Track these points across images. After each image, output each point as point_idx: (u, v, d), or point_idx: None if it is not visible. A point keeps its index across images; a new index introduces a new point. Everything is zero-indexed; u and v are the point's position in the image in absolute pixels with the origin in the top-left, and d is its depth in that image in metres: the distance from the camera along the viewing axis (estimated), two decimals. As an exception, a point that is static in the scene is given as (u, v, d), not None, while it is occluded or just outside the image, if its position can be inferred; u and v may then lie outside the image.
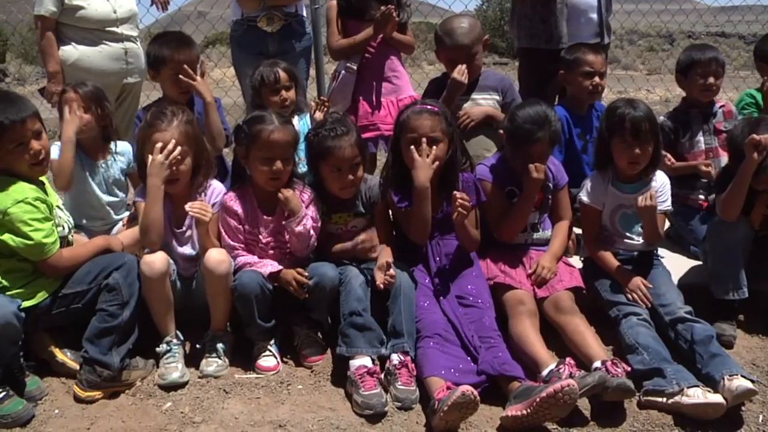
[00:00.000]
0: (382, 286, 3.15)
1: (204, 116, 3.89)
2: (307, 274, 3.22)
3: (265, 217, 3.35)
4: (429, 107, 3.38)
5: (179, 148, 3.20)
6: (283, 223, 3.27)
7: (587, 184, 3.57)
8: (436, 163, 3.27)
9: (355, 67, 4.33)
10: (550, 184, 3.61)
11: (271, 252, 3.34)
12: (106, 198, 3.81)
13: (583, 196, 3.56)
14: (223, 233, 3.33)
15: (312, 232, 3.31)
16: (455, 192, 3.23)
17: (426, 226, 3.34)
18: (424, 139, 3.26)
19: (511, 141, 3.47)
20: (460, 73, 3.88)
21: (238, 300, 3.18)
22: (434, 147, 3.28)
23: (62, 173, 3.56)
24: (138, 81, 4.87)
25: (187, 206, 3.18)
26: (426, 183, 3.23)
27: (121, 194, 3.88)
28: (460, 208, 3.20)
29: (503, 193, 3.56)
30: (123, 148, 3.88)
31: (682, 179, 4.06)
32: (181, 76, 3.82)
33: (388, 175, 3.47)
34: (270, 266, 3.23)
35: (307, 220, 3.28)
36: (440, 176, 3.36)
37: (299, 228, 3.26)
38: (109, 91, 4.10)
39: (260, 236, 3.33)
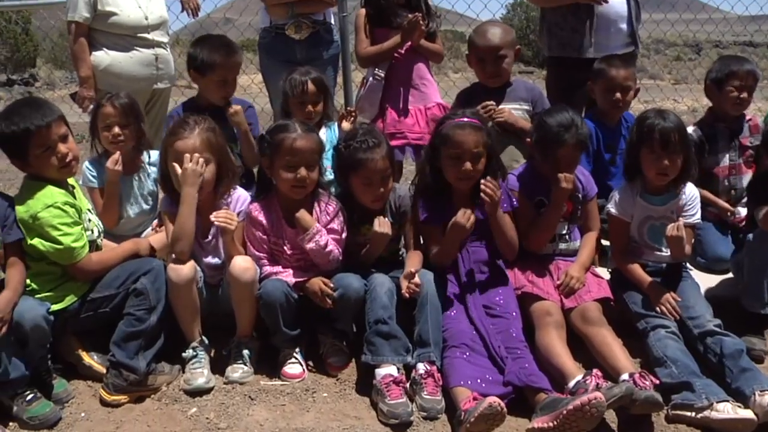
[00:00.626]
0: (407, 294, 3.15)
1: (241, 138, 3.96)
2: (332, 285, 3.22)
3: (288, 229, 3.34)
4: (472, 121, 3.36)
5: (200, 159, 3.20)
6: (298, 240, 3.28)
7: (615, 195, 3.54)
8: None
9: (383, 75, 4.32)
10: (579, 195, 3.58)
11: (296, 264, 3.34)
12: (135, 210, 3.80)
13: (611, 208, 3.53)
14: (248, 243, 3.34)
15: (331, 246, 3.27)
16: (483, 180, 3.23)
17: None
18: (467, 164, 3.29)
19: (539, 146, 3.46)
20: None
21: (263, 308, 3.19)
22: (476, 164, 3.30)
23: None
24: (167, 87, 4.92)
25: (212, 216, 3.20)
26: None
27: (152, 202, 3.87)
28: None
29: (532, 203, 3.54)
30: (155, 158, 3.84)
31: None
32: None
33: (419, 186, 3.47)
34: (295, 276, 3.26)
35: (321, 237, 3.25)
36: (475, 185, 3.36)
37: (310, 245, 3.24)
38: (138, 97, 4.13)
39: (284, 248, 3.33)
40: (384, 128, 4.19)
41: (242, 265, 3.17)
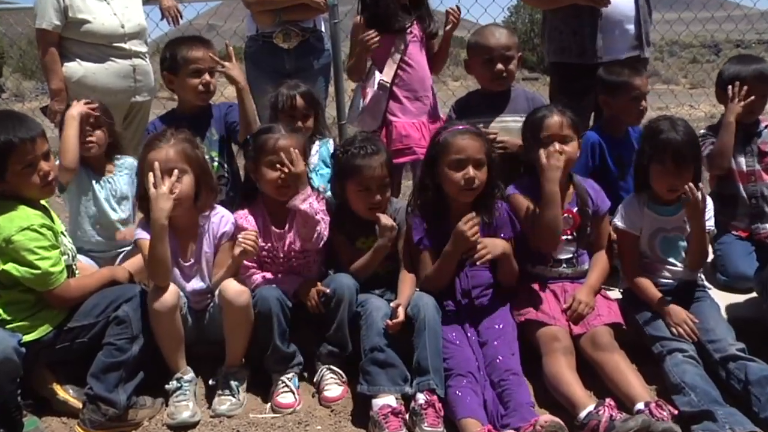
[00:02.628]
0: (389, 325, 3.19)
1: (229, 116, 4.05)
2: (325, 290, 3.33)
3: (276, 230, 3.47)
4: (470, 128, 3.42)
5: (176, 172, 3.22)
6: (288, 204, 3.34)
7: (621, 208, 3.57)
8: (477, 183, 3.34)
9: (388, 83, 4.31)
10: (589, 210, 3.58)
11: (287, 267, 3.47)
12: (114, 215, 3.88)
13: (618, 222, 3.55)
14: None
15: (319, 217, 3.34)
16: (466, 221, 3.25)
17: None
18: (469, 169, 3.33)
19: (528, 135, 3.55)
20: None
21: (258, 318, 3.24)
22: (479, 171, 3.33)
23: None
24: (147, 100, 4.91)
25: (241, 237, 3.31)
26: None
27: (128, 212, 3.92)
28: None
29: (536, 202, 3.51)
30: (127, 161, 3.97)
31: (725, 203, 4.05)
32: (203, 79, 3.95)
33: (415, 204, 3.50)
34: (293, 285, 3.39)
35: (314, 200, 3.33)
36: (475, 201, 3.40)
37: (304, 206, 3.31)
38: (116, 111, 4.17)
39: (275, 251, 3.48)
40: (388, 142, 4.20)
41: (236, 288, 3.22)
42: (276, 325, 3.23)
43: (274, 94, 3.95)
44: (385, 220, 3.37)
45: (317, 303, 3.33)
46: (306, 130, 3.92)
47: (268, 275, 3.46)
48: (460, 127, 3.43)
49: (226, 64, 3.94)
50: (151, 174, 3.15)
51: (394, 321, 3.19)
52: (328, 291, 3.31)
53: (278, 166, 3.37)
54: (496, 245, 3.36)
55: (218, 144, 4.10)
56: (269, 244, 3.49)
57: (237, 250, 3.30)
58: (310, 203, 3.32)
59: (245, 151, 3.55)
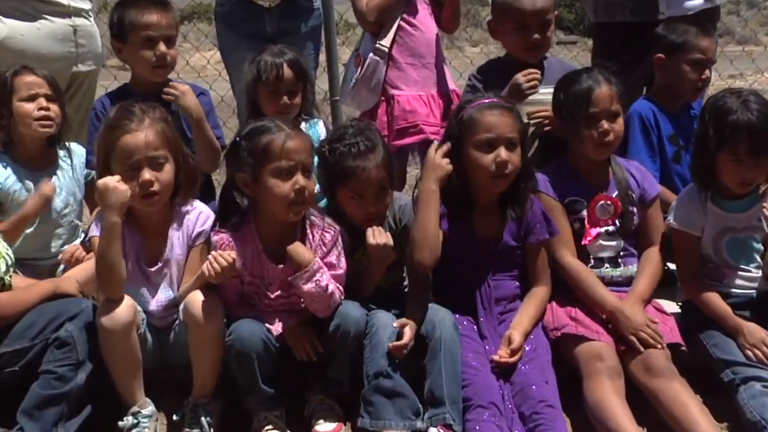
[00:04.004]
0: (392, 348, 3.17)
1: (192, 130, 3.94)
2: (320, 349, 3.25)
3: (272, 265, 3.32)
4: (500, 101, 3.39)
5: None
6: (289, 279, 3.24)
7: (679, 203, 3.54)
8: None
9: (386, 48, 4.29)
10: (634, 195, 3.57)
11: (280, 309, 3.33)
12: (57, 219, 3.83)
13: (673, 220, 3.51)
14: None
15: (332, 288, 3.24)
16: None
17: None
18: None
19: (566, 109, 3.53)
20: (528, 78, 3.66)
21: (236, 361, 3.15)
22: (512, 153, 3.30)
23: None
24: (92, 69, 4.82)
25: (211, 256, 3.17)
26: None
27: (74, 216, 3.87)
28: None
29: (562, 204, 3.58)
30: (74, 149, 3.90)
31: None
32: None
33: None
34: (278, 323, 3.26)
35: (323, 275, 3.21)
36: (506, 192, 3.38)
37: (309, 285, 3.19)
38: None
39: (268, 290, 3.33)
40: (390, 121, 4.21)
41: (204, 302, 3.14)
42: (258, 369, 3.15)
43: (253, 63, 3.91)
44: (375, 237, 3.27)
45: (309, 351, 3.24)
46: (293, 108, 3.90)
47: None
48: (488, 100, 3.38)
49: (179, 87, 3.90)
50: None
51: (399, 343, 3.15)
52: (321, 349, 3.24)
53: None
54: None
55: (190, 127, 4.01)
56: (258, 279, 3.33)
57: (203, 269, 3.19)
58: (317, 281, 3.19)
59: (233, 158, 3.32)
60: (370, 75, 4.30)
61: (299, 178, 3.17)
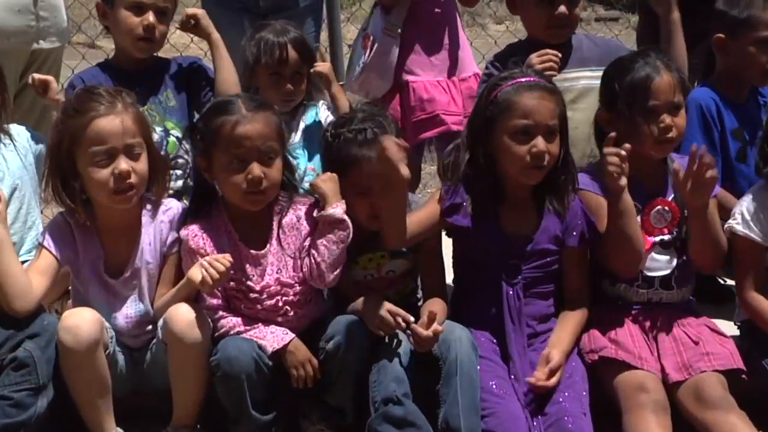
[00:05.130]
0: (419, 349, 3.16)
1: (195, 74, 4.04)
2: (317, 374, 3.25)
3: (253, 252, 3.35)
4: (541, 82, 3.38)
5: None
6: (317, 214, 3.32)
7: (743, 205, 3.50)
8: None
9: (399, 26, 4.29)
10: None
11: (270, 303, 3.34)
12: None
13: (737, 225, 3.46)
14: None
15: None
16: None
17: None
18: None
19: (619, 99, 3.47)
20: (543, 59, 3.62)
21: (222, 384, 3.14)
22: (551, 143, 3.30)
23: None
24: (56, 46, 4.76)
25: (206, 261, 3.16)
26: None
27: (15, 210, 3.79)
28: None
29: None
30: (14, 130, 3.81)
31: None
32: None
33: (455, 174, 3.44)
34: (273, 336, 3.23)
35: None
36: (541, 184, 3.39)
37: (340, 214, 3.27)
38: (9, 61, 4.11)
39: (250, 282, 3.33)
40: (406, 111, 4.23)
41: (186, 316, 3.14)
42: (248, 394, 3.14)
43: (252, 42, 3.94)
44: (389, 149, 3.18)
45: (307, 376, 3.24)
46: (298, 94, 3.96)
47: (238, 321, 3.31)
48: (527, 79, 3.38)
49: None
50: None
51: (431, 330, 3.11)
52: (328, 346, 3.21)
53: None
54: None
55: (177, 112, 4.01)
56: (238, 272, 3.33)
57: (195, 276, 3.17)
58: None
59: (193, 140, 3.45)
60: (381, 58, 4.31)
61: (254, 167, 3.21)
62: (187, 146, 4.01)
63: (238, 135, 3.23)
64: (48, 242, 3.25)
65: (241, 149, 3.23)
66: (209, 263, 3.13)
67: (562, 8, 3.89)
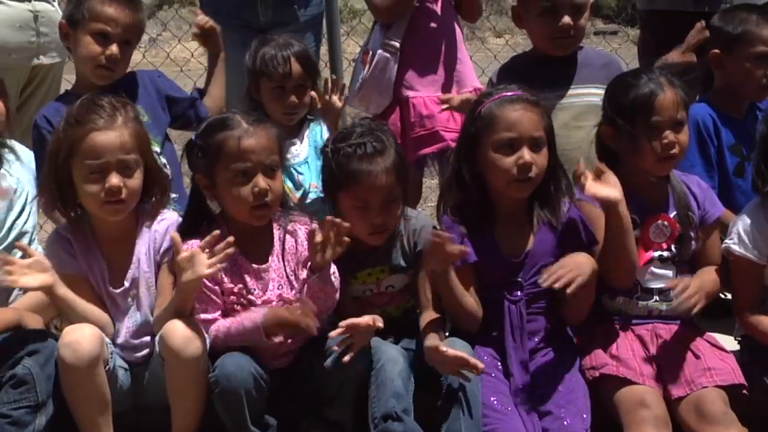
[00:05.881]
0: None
1: (163, 86, 4.05)
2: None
3: (254, 265, 3.35)
4: (524, 95, 3.37)
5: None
6: (309, 281, 3.28)
7: (738, 224, 3.48)
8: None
9: (397, 45, 4.30)
10: (694, 216, 3.54)
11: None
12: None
13: (734, 244, 3.46)
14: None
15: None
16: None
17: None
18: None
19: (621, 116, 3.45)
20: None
21: (221, 399, 3.13)
22: (538, 154, 3.29)
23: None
24: (56, 62, 4.83)
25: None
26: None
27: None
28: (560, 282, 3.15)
29: None
30: (20, 151, 3.83)
31: None
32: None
33: (445, 203, 3.48)
34: (257, 313, 3.23)
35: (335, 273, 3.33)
36: (533, 197, 3.38)
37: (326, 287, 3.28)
38: (10, 77, 4.12)
39: (252, 295, 3.34)
40: (404, 128, 4.23)
41: (183, 332, 3.11)
42: (247, 409, 3.13)
43: (255, 55, 3.94)
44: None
45: (307, 324, 3.22)
46: (302, 108, 3.94)
47: (229, 320, 3.30)
48: (510, 93, 3.37)
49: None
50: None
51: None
52: (327, 362, 3.20)
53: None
54: (579, 264, 3.25)
55: (152, 127, 3.90)
56: (239, 286, 3.34)
57: (185, 276, 3.14)
58: (335, 273, 3.30)
59: (192, 158, 3.40)
60: (380, 74, 4.31)
61: (259, 180, 3.22)
62: (164, 160, 3.93)
63: (244, 149, 3.24)
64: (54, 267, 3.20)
65: (247, 163, 3.23)
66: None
67: (566, 19, 3.90)
